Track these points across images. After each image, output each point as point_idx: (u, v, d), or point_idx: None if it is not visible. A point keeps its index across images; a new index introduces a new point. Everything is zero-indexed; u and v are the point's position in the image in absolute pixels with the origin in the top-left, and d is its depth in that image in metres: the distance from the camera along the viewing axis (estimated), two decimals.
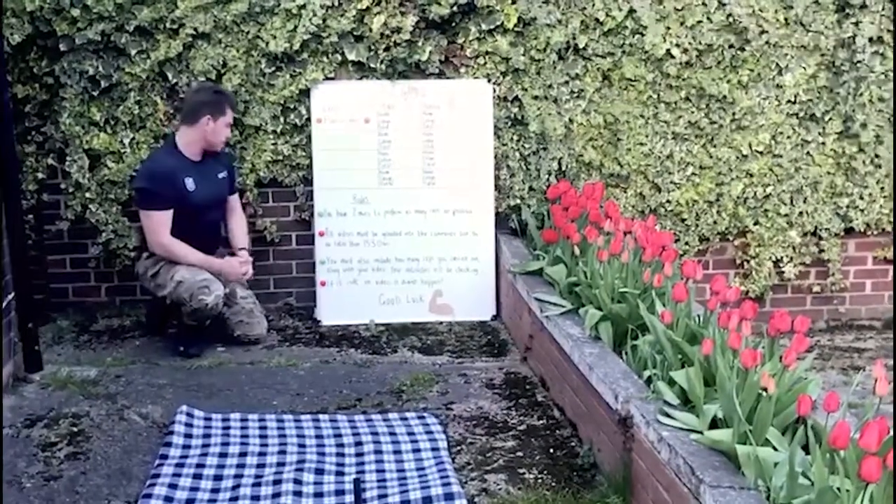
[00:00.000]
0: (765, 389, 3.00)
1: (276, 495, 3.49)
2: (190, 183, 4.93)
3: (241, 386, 4.60)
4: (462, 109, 5.57)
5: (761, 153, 5.80)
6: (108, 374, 4.65)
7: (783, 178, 5.84)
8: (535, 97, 5.57)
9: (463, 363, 5.00)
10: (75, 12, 5.17)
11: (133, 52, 5.28)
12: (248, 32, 5.35)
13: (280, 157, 5.53)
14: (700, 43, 5.59)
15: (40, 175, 5.39)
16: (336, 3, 5.35)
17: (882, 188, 5.90)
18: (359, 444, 3.94)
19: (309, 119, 5.50)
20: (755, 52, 5.66)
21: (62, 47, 5.22)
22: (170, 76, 5.35)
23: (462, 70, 5.55)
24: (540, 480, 3.73)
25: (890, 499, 2.50)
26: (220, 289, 4.88)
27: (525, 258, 5.26)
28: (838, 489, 2.59)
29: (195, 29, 5.28)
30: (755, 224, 5.87)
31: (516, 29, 5.49)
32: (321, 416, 4.23)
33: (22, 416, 4.10)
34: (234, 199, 5.31)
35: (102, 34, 5.24)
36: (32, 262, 5.02)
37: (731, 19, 5.58)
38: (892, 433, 2.63)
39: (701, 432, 3.09)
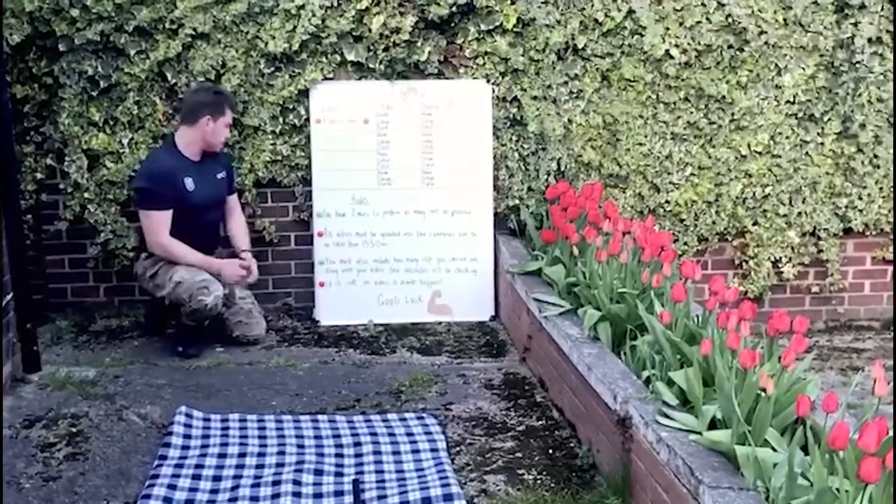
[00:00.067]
0: (763, 390, 3.00)
1: (276, 496, 3.49)
2: (189, 183, 4.93)
3: (239, 386, 4.60)
4: (461, 110, 5.57)
5: (760, 153, 5.81)
6: (106, 375, 4.64)
7: (782, 178, 5.85)
8: (534, 97, 5.57)
9: (462, 364, 5.00)
10: (74, 12, 5.17)
11: (132, 52, 5.28)
12: (247, 33, 5.35)
13: (279, 158, 5.53)
14: (699, 43, 5.60)
15: (39, 175, 5.39)
16: (335, 4, 5.35)
17: (881, 188, 5.91)
18: (358, 444, 3.94)
19: (308, 119, 5.50)
20: (754, 52, 5.66)
21: (61, 47, 5.22)
22: (169, 76, 5.35)
23: (461, 70, 5.55)
24: (539, 481, 3.73)
25: (890, 499, 2.50)
26: (219, 289, 4.88)
27: (524, 258, 5.26)
28: (837, 490, 2.59)
29: (194, 29, 5.28)
30: (754, 224, 5.87)
31: (515, 29, 5.49)
32: (320, 417, 4.23)
33: (21, 417, 4.09)
34: (234, 200, 5.31)
35: (101, 34, 5.23)
36: (31, 262, 5.03)
37: (730, 20, 5.58)
38: (891, 434, 2.63)
39: (700, 433, 3.09)
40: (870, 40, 5.69)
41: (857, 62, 5.70)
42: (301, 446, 3.92)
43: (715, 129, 5.74)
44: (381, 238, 5.60)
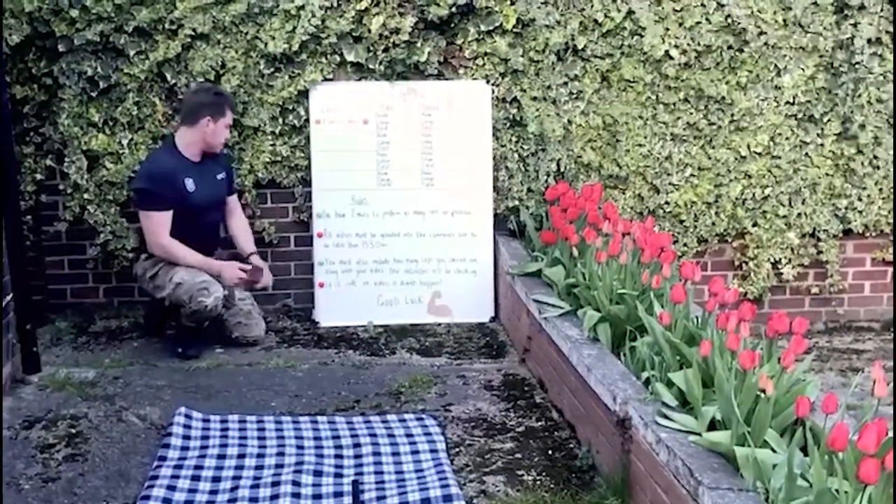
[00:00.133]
0: (763, 391, 3.00)
1: (275, 497, 3.49)
2: (190, 184, 4.93)
3: (239, 387, 4.60)
4: (461, 110, 5.57)
5: (760, 154, 5.81)
6: (106, 376, 4.64)
7: (782, 179, 5.85)
8: (534, 98, 5.57)
9: (461, 365, 5.00)
10: (74, 13, 5.17)
11: (132, 52, 5.28)
12: (246, 33, 5.35)
13: (279, 158, 5.53)
14: (699, 44, 5.60)
15: (39, 176, 5.39)
16: (335, 4, 5.35)
17: (880, 189, 5.91)
18: (357, 445, 3.94)
19: (307, 120, 5.50)
20: (754, 53, 5.66)
21: (61, 48, 5.22)
22: (168, 77, 5.35)
23: (461, 71, 5.55)
24: (538, 482, 3.73)
25: (889, 500, 2.50)
26: (219, 291, 4.88)
27: (523, 259, 5.26)
28: (837, 491, 2.59)
29: (194, 30, 5.28)
30: (754, 225, 5.87)
31: (515, 30, 5.49)
32: (319, 418, 4.23)
33: (20, 418, 4.09)
34: (234, 201, 5.31)
35: (101, 35, 5.24)
36: (30, 263, 5.02)
37: (729, 20, 5.59)
38: (890, 435, 2.63)
39: (699, 434, 3.09)
40: (869, 41, 5.69)
41: (857, 63, 5.70)
42: (300, 447, 3.92)
43: (714, 130, 5.74)
44: (380, 239, 5.60)
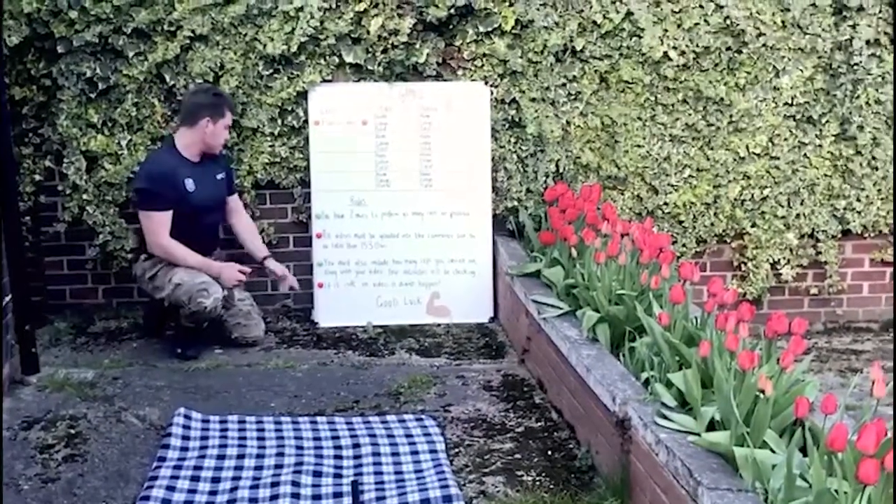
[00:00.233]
0: (762, 391, 3.00)
1: (274, 497, 3.49)
2: (190, 184, 4.93)
3: (238, 388, 4.60)
4: (459, 112, 5.57)
5: (758, 155, 5.81)
6: (105, 377, 4.64)
7: (780, 180, 5.85)
8: (533, 99, 5.57)
9: (461, 365, 5.00)
10: (73, 14, 5.17)
11: (130, 54, 5.28)
12: (245, 35, 5.35)
13: (277, 159, 5.53)
14: (697, 45, 5.60)
15: (37, 177, 5.39)
16: (333, 6, 5.35)
17: (879, 190, 5.91)
18: (357, 446, 3.94)
19: (306, 121, 5.50)
20: (752, 54, 5.67)
21: (60, 49, 5.22)
22: (167, 78, 5.35)
23: (459, 72, 5.55)
24: (538, 483, 3.73)
25: (889, 501, 2.50)
26: (218, 291, 4.88)
27: (522, 260, 5.27)
28: (836, 491, 2.59)
29: (193, 31, 5.28)
30: (752, 226, 5.88)
31: (514, 31, 5.49)
32: (319, 419, 4.23)
33: (19, 419, 4.09)
34: (236, 201, 5.32)
35: (100, 36, 5.24)
36: (29, 263, 5.02)
37: (728, 22, 5.59)
38: (889, 435, 2.63)
39: (699, 434, 3.09)
40: (868, 42, 5.70)
41: (856, 64, 5.71)
42: (300, 448, 3.92)
43: (713, 131, 5.75)
44: (379, 239, 5.60)
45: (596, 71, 5.62)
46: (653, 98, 5.67)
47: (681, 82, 5.66)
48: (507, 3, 5.46)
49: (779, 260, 5.92)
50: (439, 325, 5.60)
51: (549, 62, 5.55)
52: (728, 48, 5.65)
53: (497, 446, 4.05)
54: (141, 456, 3.87)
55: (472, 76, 5.55)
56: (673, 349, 3.63)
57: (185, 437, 3.96)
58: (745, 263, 5.94)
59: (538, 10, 5.47)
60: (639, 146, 5.71)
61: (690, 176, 5.78)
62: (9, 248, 4.38)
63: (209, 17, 5.29)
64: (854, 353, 5.62)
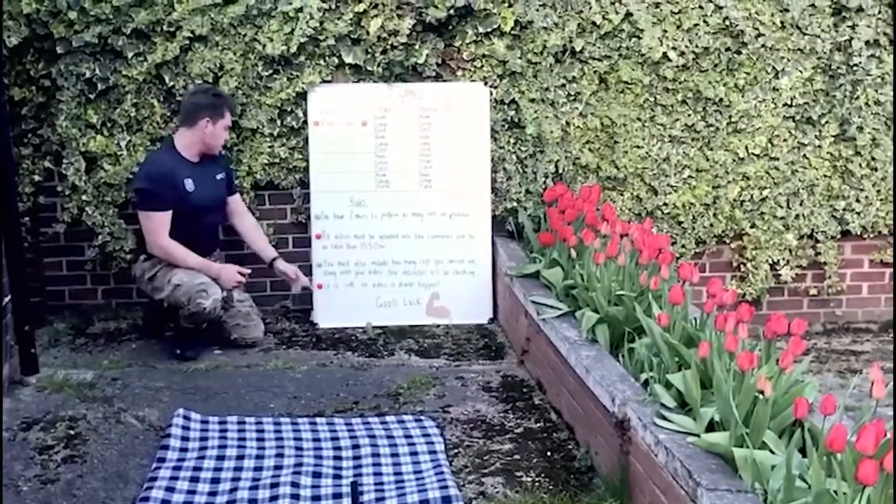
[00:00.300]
0: (761, 392, 3.00)
1: (274, 498, 3.49)
2: (189, 184, 4.93)
3: (237, 389, 4.60)
4: (459, 112, 5.57)
5: (758, 156, 5.81)
6: (104, 377, 4.64)
7: (780, 181, 5.85)
8: (532, 100, 5.58)
9: (460, 366, 5.00)
10: (72, 15, 5.17)
11: (130, 54, 5.28)
12: (245, 35, 5.35)
13: (277, 160, 5.53)
14: (696, 46, 5.61)
15: (37, 178, 5.39)
16: (333, 6, 5.35)
17: (878, 191, 5.92)
18: (356, 447, 3.94)
19: (306, 122, 5.50)
20: (751, 55, 5.67)
21: (59, 50, 5.22)
22: (167, 79, 5.34)
23: (459, 73, 5.55)
24: (537, 483, 3.73)
25: (888, 501, 2.50)
26: (217, 293, 4.88)
27: (522, 261, 5.27)
28: (835, 492, 2.59)
29: (192, 32, 5.28)
30: (752, 227, 5.88)
31: (513, 32, 5.50)
32: (318, 420, 4.23)
33: (18, 420, 4.09)
34: (238, 201, 5.33)
35: (99, 37, 5.23)
36: (29, 264, 5.02)
37: (727, 22, 5.59)
38: (889, 436, 2.63)
39: (698, 435, 3.09)
40: (867, 43, 5.70)
41: (855, 65, 5.71)
42: (299, 448, 3.92)
43: (712, 132, 5.75)
44: (379, 240, 5.60)
45: (595, 72, 5.62)
46: (652, 99, 5.68)
47: (680, 83, 5.66)
48: (506, 4, 5.46)
49: (778, 261, 5.93)
50: (439, 325, 5.60)
51: (549, 63, 5.55)
52: (727, 49, 5.65)
53: (496, 447, 4.05)
54: (140, 457, 3.87)
55: (471, 77, 5.55)
56: (672, 350, 3.64)
57: (185, 438, 3.96)
58: (745, 264, 5.94)
59: (537, 10, 5.47)
60: (638, 147, 5.71)
61: (690, 177, 5.78)
62: (8, 248, 4.37)
63: (209, 17, 5.29)
64: (853, 354, 5.63)
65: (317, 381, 4.74)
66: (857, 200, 5.93)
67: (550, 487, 3.69)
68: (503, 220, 5.71)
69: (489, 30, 5.47)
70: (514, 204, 5.66)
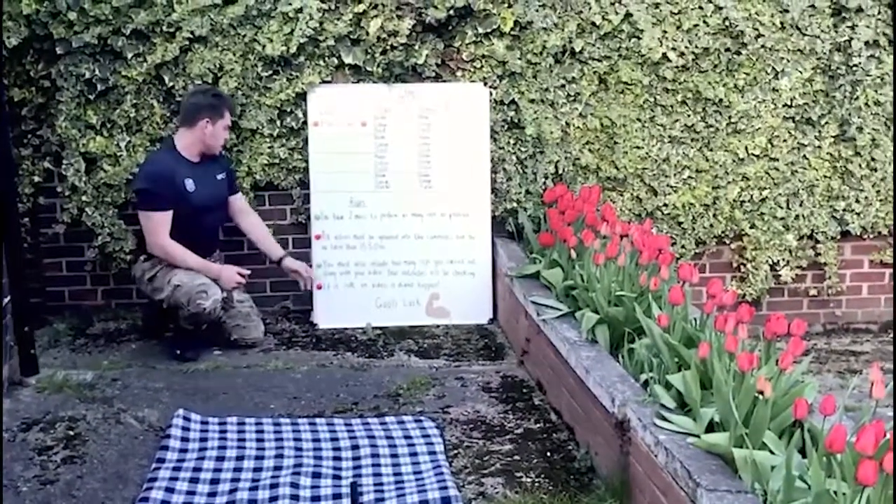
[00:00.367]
0: (761, 393, 3.00)
1: (273, 499, 3.48)
2: (190, 184, 4.93)
3: (237, 389, 4.59)
4: (459, 113, 5.57)
5: (757, 157, 5.81)
6: (104, 378, 4.64)
7: (779, 181, 5.85)
8: (532, 101, 5.58)
9: (460, 367, 5.00)
10: (72, 16, 5.16)
11: (129, 55, 5.28)
12: (244, 36, 5.35)
13: (276, 161, 5.53)
14: (696, 47, 5.61)
15: (36, 178, 5.39)
16: (333, 7, 5.35)
17: (878, 192, 5.92)
18: (356, 447, 3.94)
19: (305, 122, 5.49)
20: (751, 55, 5.67)
21: (59, 50, 5.22)
22: (166, 79, 5.34)
23: (459, 74, 5.55)
24: (537, 484, 3.73)
25: (888, 501, 2.50)
26: (217, 293, 4.87)
27: (522, 261, 5.27)
28: (835, 493, 2.59)
29: (192, 32, 5.28)
30: (751, 227, 5.88)
31: (513, 32, 5.50)
32: (318, 420, 4.23)
33: (18, 420, 4.09)
34: (241, 199, 5.33)
35: (99, 38, 5.23)
36: (28, 265, 5.02)
37: (727, 23, 5.59)
38: (888, 436, 2.63)
39: (698, 436, 3.09)
40: (867, 43, 5.70)
41: (855, 65, 5.71)
42: (299, 449, 3.92)
43: (712, 133, 5.75)
44: (378, 241, 5.60)
45: (595, 72, 5.62)
46: (652, 99, 5.68)
47: (680, 83, 5.66)
48: (506, 5, 5.46)
49: (778, 261, 5.93)
50: (438, 326, 5.60)
51: (548, 63, 5.55)
52: (727, 49, 5.65)
53: (496, 448, 4.04)
54: (140, 457, 3.87)
55: (471, 77, 5.55)
56: (672, 350, 3.64)
57: (184, 439, 3.96)
58: (745, 265, 5.94)
59: (537, 11, 5.47)
60: (638, 147, 5.71)
61: (690, 177, 5.78)
62: (8, 249, 4.37)
63: (208, 18, 5.29)
64: (853, 355, 5.63)
65: (316, 381, 4.74)
66: (857, 201, 5.93)
67: (550, 488, 3.69)
68: (503, 221, 5.71)
69: (489, 30, 5.47)
70: (514, 204, 5.66)
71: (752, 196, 5.85)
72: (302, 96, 5.46)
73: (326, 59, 5.43)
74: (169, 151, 5.02)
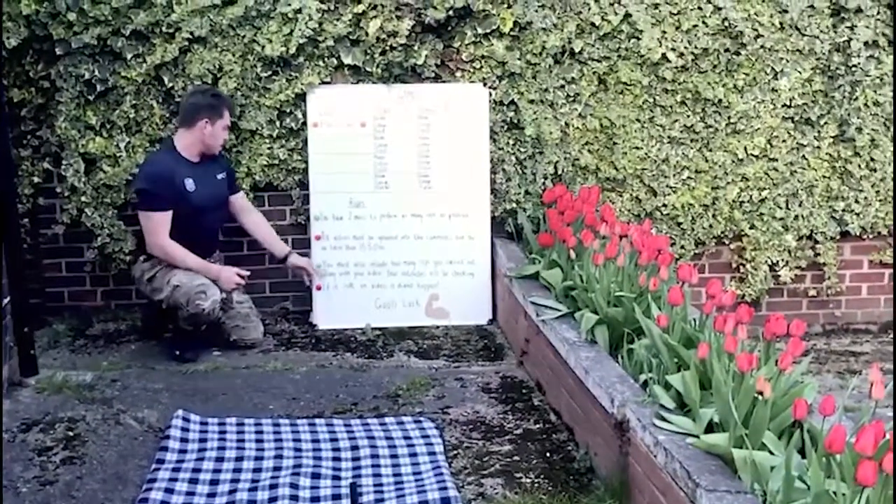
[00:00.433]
0: (761, 393, 3.00)
1: (273, 500, 3.48)
2: (190, 184, 4.93)
3: (237, 390, 4.59)
4: (458, 113, 5.57)
5: (757, 157, 5.81)
6: (103, 379, 4.64)
7: (779, 181, 5.85)
8: (531, 101, 5.58)
9: (459, 367, 5.00)
10: (71, 16, 5.16)
11: (129, 56, 5.27)
12: (244, 36, 5.35)
13: (276, 161, 5.53)
14: (695, 47, 5.61)
15: (36, 179, 5.39)
16: (332, 8, 5.35)
17: (877, 192, 5.92)
18: (355, 448, 3.94)
19: (305, 123, 5.49)
20: (750, 56, 5.67)
21: (58, 51, 5.22)
22: (166, 80, 5.34)
23: (458, 74, 5.55)
24: (536, 485, 3.73)
25: (888, 502, 2.50)
26: (216, 294, 4.87)
27: (521, 262, 5.26)
28: (834, 493, 2.59)
29: (191, 33, 5.28)
30: (751, 228, 5.88)
31: (512, 33, 5.50)
32: (317, 421, 4.23)
33: (18, 421, 4.08)
34: (243, 197, 5.34)
35: (98, 38, 5.23)
36: (28, 266, 5.02)
37: (726, 23, 5.60)
38: (888, 437, 2.63)
39: (697, 436, 3.09)
40: (866, 44, 5.70)
41: (854, 66, 5.71)
42: (298, 450, 3.92)
43: (711, 133, 5.75)
44: (378, 241, 5.60)
45: (594, 73, 5.62)
46: (651, 100, 5.68)
47: (679, 84, 5.66)
48: (505, 5, 5.46)
49: (777, 261, 5.93)
50: (438, 326, 5.59)
51: (548, 64, 5.55)
52: (726, 50, 5.65)
53: (496, 448, 4.04)
54: (139, 458, 3.87)
55: (470, 78, 5.55)
56: (671, 351, 3.64)
57: (184, 440, 3.96)
58: (744, 265, 5.94)
59: (536, 11, 5.47)
60: (637, 148, 5.71)
61: (689, 178, 5.78)
62: (7, 250, 4.37)
63: (208, 18, 5.29)
64: (853, 355, 5.63)
65: (316, 382, 4.74)
66: (857, 201, 5.93)
67: (550, 488, 3.69)
68: (502, 221, 5.71)
69: (488, 31, 5.47)
70: (514, 205, 5.66)
71: (751, 196, 5.85)
72: (301, 97, 5.46)
73: (326, 59, 5.43)
74: (169, 151, 5.02)
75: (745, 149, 5.78)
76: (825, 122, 5.81)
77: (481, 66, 5.54)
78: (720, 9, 5.57)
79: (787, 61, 5.70)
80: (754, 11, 5.61)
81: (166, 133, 5.33)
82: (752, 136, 5.77)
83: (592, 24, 5.54)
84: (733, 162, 5.79)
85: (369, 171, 5.57)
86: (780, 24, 5.66)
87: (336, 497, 3.55)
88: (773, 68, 5.71)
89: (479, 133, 5.58)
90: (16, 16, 5.12)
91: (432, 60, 5.48)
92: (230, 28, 5.33)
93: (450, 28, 5.48)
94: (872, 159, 5.87)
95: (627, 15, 5.54)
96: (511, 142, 5.63)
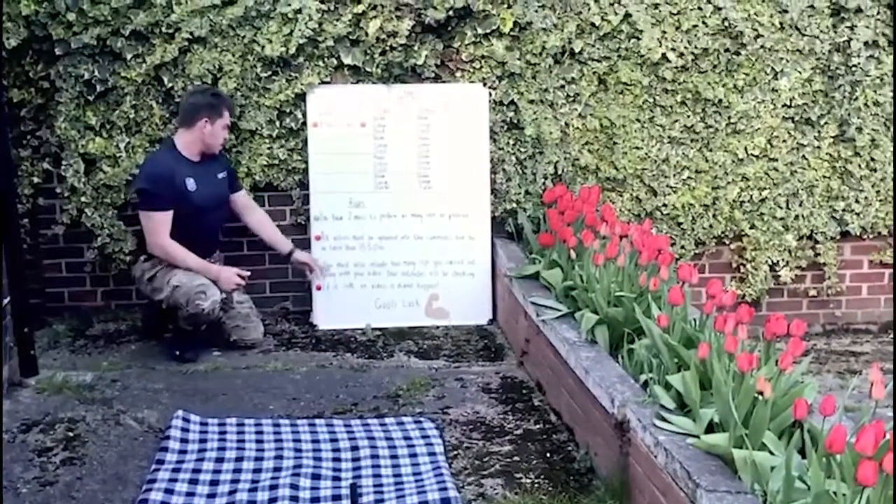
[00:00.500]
0: (761, 393, 3.00)
1: (273, 500, 3.48)
2: (191, 183, 4.93)
3: (237, 390, 4.59)
4: (458, 113, 5.57)
5: (757, 157, 5.81)
6: (103, 379, 4.64)
7: (779, 181, 5.85)
8: (531, 101, 5.57)
9: (459, 367, 5.00)
10: (71, 16, 5.16)
11: (129, 56, 5.27)
12: (243, 37, 5.35)
13: (276, 161, 5.53)
14: (695, 47, 5.61)
15: (36, 179, 5.39)
16: (332, 8, 5.35)
17: (878, 192, 5.92)
18: (355, 448, 3.94)
19: (305, 123, 5.49)
20: (750, 56, 5.67)
21: (58, 51, 5.22)
22: (165, 80, 5.34)
23: (458, 74, 5.55)
24: (537, 485, 3.73)
25: (888, 502, 2.50)
26: (216, 294, 4.87)
27: (521, 262, 5.26)
28: (835, 493, 2.59)
29: (191, 33, 5.28)
30: (751, 228, 5.88)
31: (512, 33, 5.49)
32: (317, 421, 4.23)
33: (18, 421, 4.08)
34: (245, 195, 5.34)
35: (98, 38, 5.23)
36: (28, 266, 5.02)
37: (726, 23, 5.59)
38: (888, 437, 2.63)
39: (697, 436, 3.09)
40: (866, 44, 5.70)
41: (854, 66, 5.71)
42: (298, 450, 3.91)
43: (711, 133, 5.75)
44: (378, 241, 5.60)
45: (594, 73, 5.62)
46: (651, 100, 5.68)
47: (679, 84, 5.66)
48: (505, 5, 5.46)
49: (777, 261, 5.93)
50: (438, 327, 5.59)
51: (548, 64, 5.55)
52: (726, 50, 5.65)
53: (496, 448, 4.04)
54: (139, 459, 3.87)
55: (470, 78, 5.55)
56: (672, 351, 3.63)
57: (184, 440, 3.96)
58: (744, 265, 5.94)
59: (536, 11, 5.47)
60: (637, 148, 5.71)
61: (689, 178, 5.78)
62: (7, 250, 4.37)
63: (207, 19, 5.29)
64: (853, 355, 5.63)
65: (316, 382, 4.74)
66: (857, 201, 5.93)
67: (550, 489, 3.69)
68: (502, 222, 5.71)
69: (488, 31, 5.47)
70: (514, 205, 5.66)
71: (751, 196, 5.84)
72: (301, 97, 5.45)
73: (326, 59, 5.42)
74: (169, 151, 5.02)
75: (746, 149, 5.78)
76: (825, 122, 5.81)
77: (481, 67, 5.53)
78: (720, 9, 5.57)
79: (787, 61, 5.70)
80: (754, 11, 5.61)
81: (166, 133, 5.33)
82: (753, 136, 5.77)
83: (592, 24, 5.53)
84: (733, 162, 5.79)
85: (369, 172, 5.57)
86: (780, 24, 5.66)
87: (336, 498, 3.55)
88: (773, 68, 5.71)
89: (479, 133, 5.58)
90: (15, 16, 5.12)
91: (432, 60, 5.48)
92: (230, 28, 5.33)
93: (450, 28, 5.48)
94: (873, 159, 5.87)
95: (627, 15, 5.54)
96: (511, 142, 5.63)
